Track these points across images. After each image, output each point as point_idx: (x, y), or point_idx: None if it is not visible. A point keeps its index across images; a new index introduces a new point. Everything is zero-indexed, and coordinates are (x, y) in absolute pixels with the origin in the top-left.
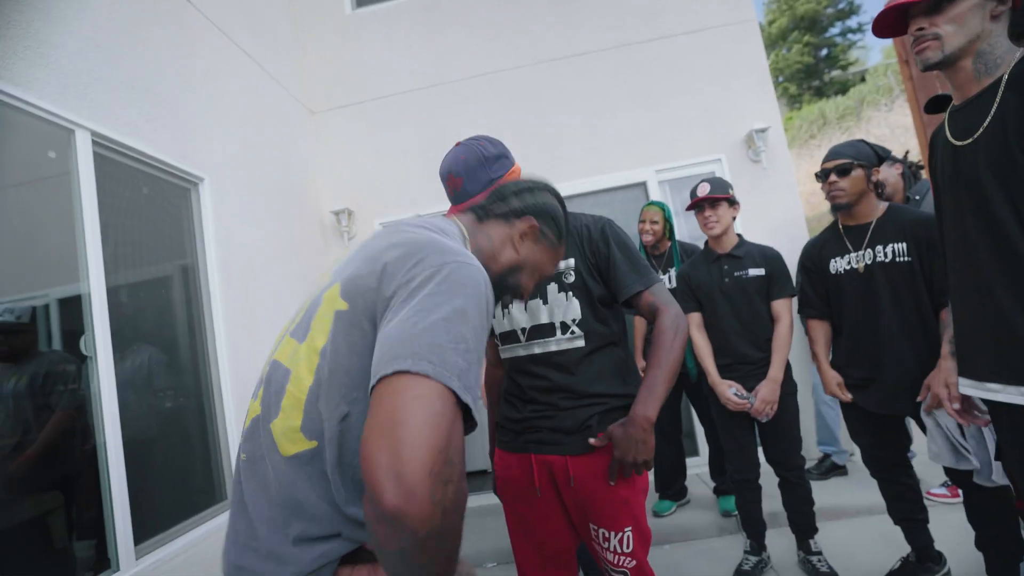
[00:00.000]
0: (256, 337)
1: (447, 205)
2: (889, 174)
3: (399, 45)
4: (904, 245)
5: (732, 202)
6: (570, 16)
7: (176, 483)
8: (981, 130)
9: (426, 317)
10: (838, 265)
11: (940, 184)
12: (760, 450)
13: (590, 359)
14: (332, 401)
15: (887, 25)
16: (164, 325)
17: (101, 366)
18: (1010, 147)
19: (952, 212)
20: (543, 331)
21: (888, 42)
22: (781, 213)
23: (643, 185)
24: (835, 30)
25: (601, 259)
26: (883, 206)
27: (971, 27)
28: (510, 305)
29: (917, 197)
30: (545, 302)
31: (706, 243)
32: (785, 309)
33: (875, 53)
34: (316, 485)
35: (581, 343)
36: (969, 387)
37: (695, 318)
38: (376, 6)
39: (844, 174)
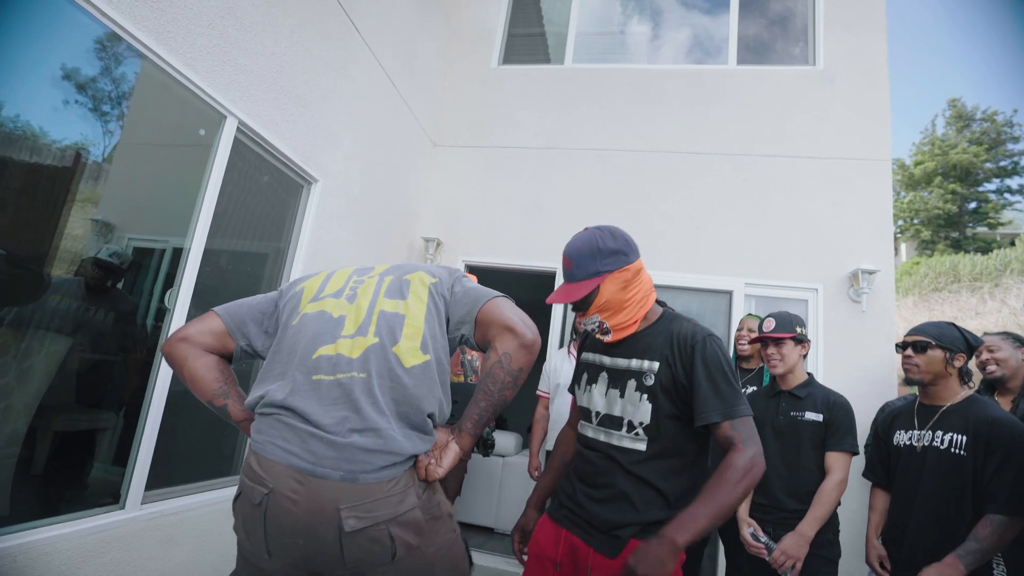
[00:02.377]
0: None
1: (530, 261)
2: (1012, 355)
3: (531, 104)
4: (963, 439)
5: (799, 340)
6: (699, 116)
7: (199, 446)
8: None
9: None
10: (901, 438)
11: None
12: None
13: (647, 466)
14: (441, 329)
15: None
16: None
17: (175, 320)
18: None
19: None
20: (613, 422)
21: None
22: (871, 363)
23: (729, 294)
24: (991, 185)
25: (683, 375)
26: (964, 394)
27: None
28: (593, 385)
29: None
30: (622, 396)
31: (772, 376)
32: (838, 464)
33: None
34: (424, 385)
35: (642, 447)
36: None
37: None
38: (519, 66)
39: (920, 351)
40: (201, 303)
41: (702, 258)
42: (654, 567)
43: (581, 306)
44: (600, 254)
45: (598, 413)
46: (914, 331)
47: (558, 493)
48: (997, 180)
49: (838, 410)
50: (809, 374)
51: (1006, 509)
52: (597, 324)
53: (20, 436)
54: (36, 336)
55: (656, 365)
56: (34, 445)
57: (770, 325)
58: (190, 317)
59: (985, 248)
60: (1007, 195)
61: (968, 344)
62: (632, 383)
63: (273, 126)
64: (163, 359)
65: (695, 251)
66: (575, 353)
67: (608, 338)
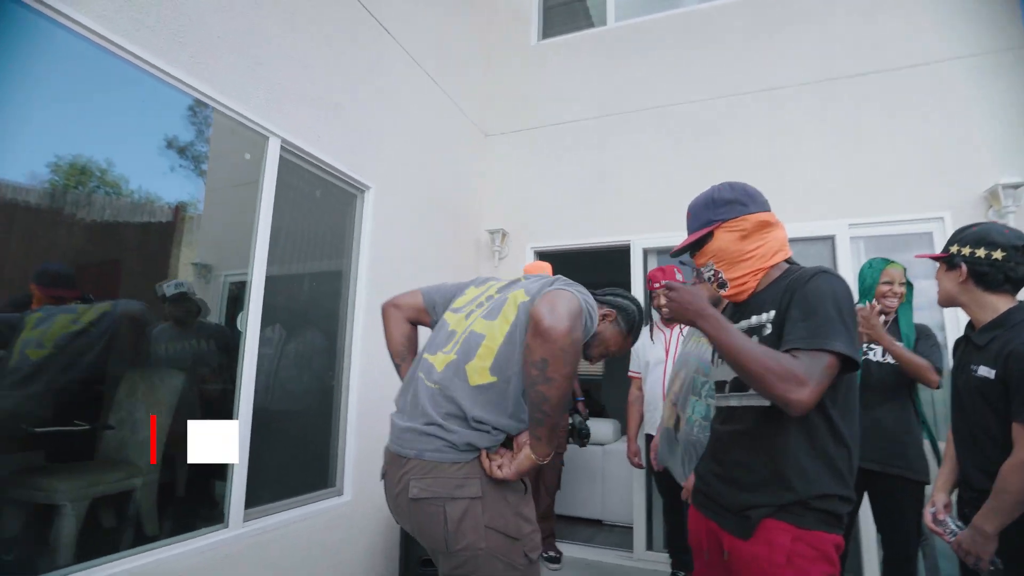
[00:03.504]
0: None
1: (600, 238)
2: None
3: (578, 74)
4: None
5: (952, 264)
6: (765, 48)
7: (295, 461)
8: None
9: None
10: None
11: None
12: None
13: (771, 424)
14: (515, 354)
15: None
16: (311, 314)
17: (248, 341)
18: None
19: None
20: (739, 384)
21: None
22: None
23: (830, 239)
24: None
25: (782, 312)
26: None
27: None
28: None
29: None
30: None
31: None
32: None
33: None
34: (485, 404)
35: (758, 400)
36: None
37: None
38: (560, 38)
39: None
40: (269, 323)
41: (793, 203)
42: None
43: (695, 248)
44: (714, 204)
45: (725, 382)
46: None
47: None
48: None
49: (1017, 364)
50: (1009, 312)
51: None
52: (712, 272)
53: (158, 464)
54: (157, 373)
55: (772, 314)
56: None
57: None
58: (261, 339)
59: None
60: None
61: None
62: (754, 339)
63: (316, 139)
64: (244, 380)
65: (782, 196)
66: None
67: (726, 292)
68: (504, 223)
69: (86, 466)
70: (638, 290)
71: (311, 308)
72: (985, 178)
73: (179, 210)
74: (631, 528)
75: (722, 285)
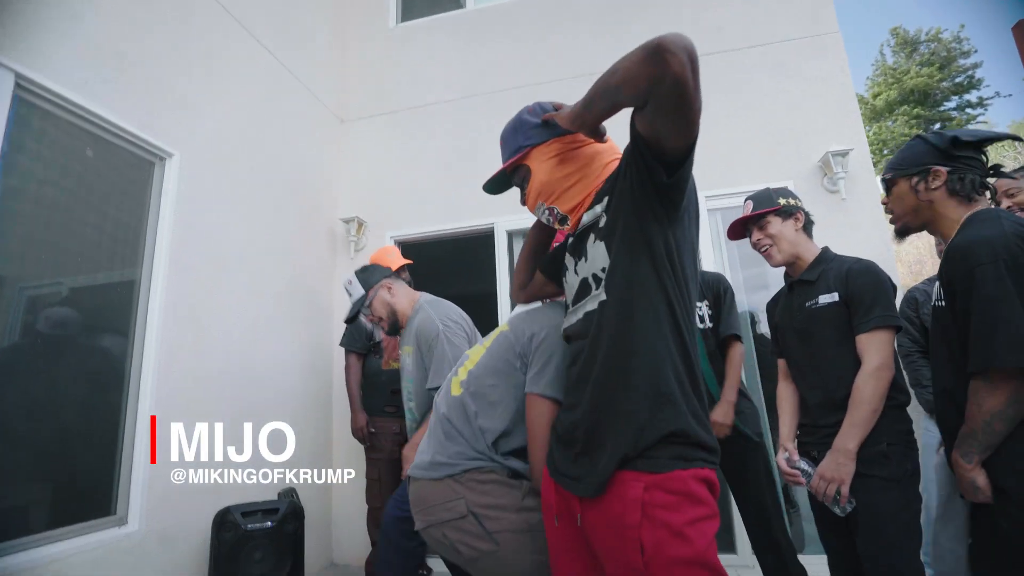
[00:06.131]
0: (207, 335)
1: (464, 222)
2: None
3: (439, 56)
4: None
5: (787, 212)
6: (621, 28)
7: (55, 487)
8: None
9: None
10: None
11: None
12: None
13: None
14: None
15: None
16: (84, 313)
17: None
18: None
19: None
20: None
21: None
22: (866, 254)
23: None
24: (951, 104)
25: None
26: (970, 212)
27: None
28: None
29: None
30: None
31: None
32: (872, 347)
33: (1002, 129)
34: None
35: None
36: None
37: (782, 366)
38: (419, 20)
39: (888, 192)
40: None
41: None
42: None
43: (520, 188)
44: (523, 127)
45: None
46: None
47: None
48: (956, 97)
49: (855, 280)
50: (822, 249)
51: (975, 365)
52: (547, 213)
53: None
54: None
55: (605, 200)
56: None
57: (748, 208)
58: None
59: None
60: (968, 110)
61: (939, 150)
62: (591, 237)
63: (82, 85)
64: None
65: None
66: None
67: (568, 227)
68: (361, 211)
69: None
70: (503, 273)
71: (83, 306)
72: (819, 148)
73: None
74: None
75: (563, 221)
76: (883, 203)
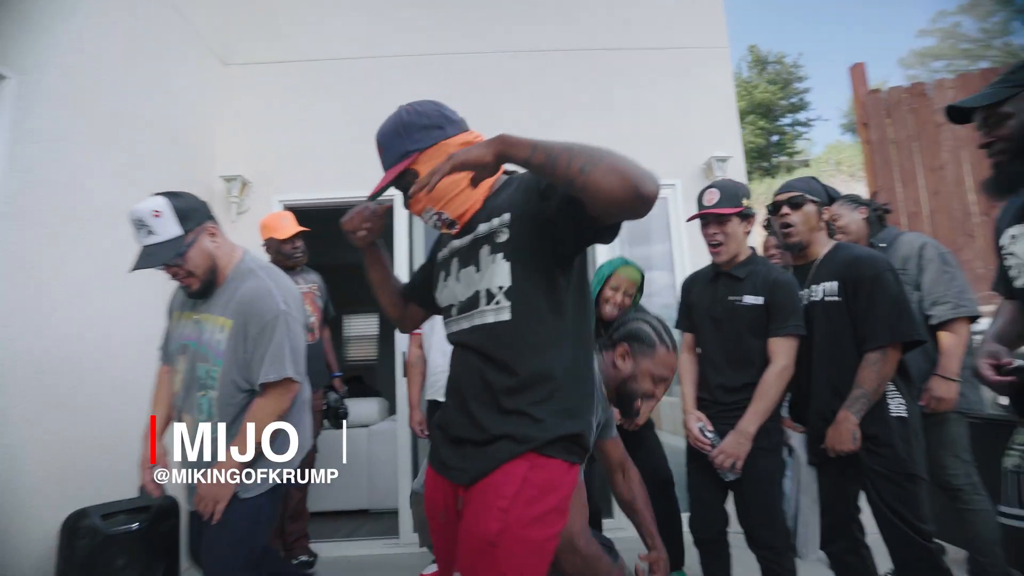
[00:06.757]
0: (47, 305)
1: (361, 192)
2: (852, 219)
3: (344, 7)
4: (836, 284)
5: (746, 216)
6: (535, 10)
7: None
8: None
9: None
10: None
11: None
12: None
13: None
14: None
15: None
16: None
17: None
18: None
19: None
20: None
21: (832, 136)
22: None
23: None
24: (786, 120)
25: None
26: (830, 244)
27: None
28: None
29: (883, 244)
30: (477, 269)
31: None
32: (782, 350)
33: (819, 147)
34: None
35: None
36: None
37: (687, 339)
38: None
39: (796, 207)
40: None
41: None
42: None
43: (404, 196)
44: (406, 130)
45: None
46: (783, 188)
47: None
48: (791, 115)
49: (780, 290)
50: (752, 250)
51: (876, 343)
52: (435, 218)
53: None
54: None
55: (507, 216)
56: None
57: (713, 197)
58: None
59: (789, 172)
60: (799, 127)
61: (829, 196)
62: (486, 248)
63: None
64: None
65: None
66: None
67: (456, 230)
68: (245, 170)
69: None
70: (401, 246)
71: None
72: (704, 152)
73: None
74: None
75: (451, 225)
76: (782, 215)
